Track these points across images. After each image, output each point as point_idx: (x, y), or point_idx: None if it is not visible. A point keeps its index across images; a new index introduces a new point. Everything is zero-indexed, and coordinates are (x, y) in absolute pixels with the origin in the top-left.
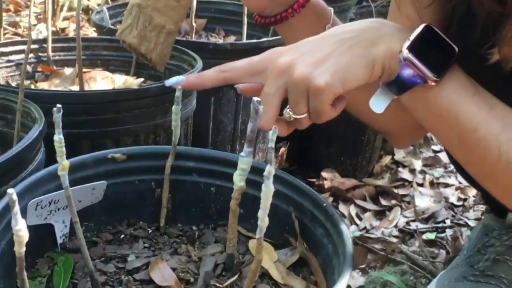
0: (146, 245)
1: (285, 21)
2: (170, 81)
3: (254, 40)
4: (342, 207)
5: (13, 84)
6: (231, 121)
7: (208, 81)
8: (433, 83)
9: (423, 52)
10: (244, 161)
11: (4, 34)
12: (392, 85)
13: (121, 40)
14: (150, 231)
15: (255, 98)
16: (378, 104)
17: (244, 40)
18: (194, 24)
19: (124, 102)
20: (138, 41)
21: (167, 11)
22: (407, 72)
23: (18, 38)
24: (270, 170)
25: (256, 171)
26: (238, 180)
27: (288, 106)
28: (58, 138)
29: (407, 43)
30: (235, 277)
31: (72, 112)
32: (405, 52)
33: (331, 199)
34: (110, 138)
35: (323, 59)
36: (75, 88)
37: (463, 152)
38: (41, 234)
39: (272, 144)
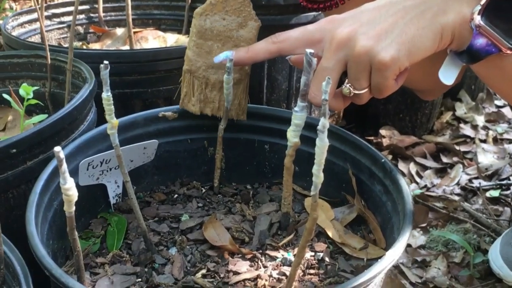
0: (200, 204)
1: (334, 9)
2: (219, 57)
3: None
4: (401, 165)
5: (65, 45)
6: (285, 78)
7: (260, 54)
8: (509, 52)
9: (495, 18)
10: (298, 116)
11: None
12: (463, 54)
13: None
14: (203, 190)
15: (308, 50)
16: (448, 75)
17: None
18: None
19: (176, 61)
20: (199, 106)
21: (223, 64)
22: (480, 41)
23: None
24: (324, 123)
25: (311, 127)
26: (292, 136)
27: (347, 81)
28: (106, 95)
29: (478, 8)
30: (291, 236)
31: (123, 72)
32: (477, 19)
33: (390, 157)
34: (161, 97)
35: (386, 31)
36: (127, 48)
37: None
38: (94, 195)
39: (325, 96)
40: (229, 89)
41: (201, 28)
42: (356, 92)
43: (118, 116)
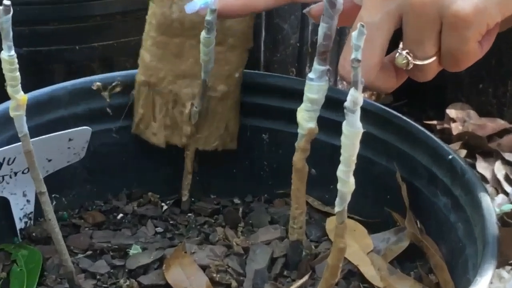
0: (159, 229)
1: None
2: (192, 5)
3: None
4: (481, 165)
5: None
6: (295, 28)
7: (261, 0)
8: None
9: None
10: (314, 86)
11: None
12: None
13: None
14: (164, 207)
15: None
16: None
17: None
18: None
19: (119, 0)
20: (164, 135)
21: (199, 70)
22: None
23: None
24: (355, 97)
25: (336, 105)
26: (305, 119)
27: (403, 46)
28: (8, 56)
29: None
30: (304, 279)
31: (34, 18)
32: None
33: (463, 152)
34: (96, 58)
35: None
36: None
37: None
38: None
39: (357, 55)
40: (210, 54)
41: (164, 19)
42: (418, 62)
43: (27, 88)
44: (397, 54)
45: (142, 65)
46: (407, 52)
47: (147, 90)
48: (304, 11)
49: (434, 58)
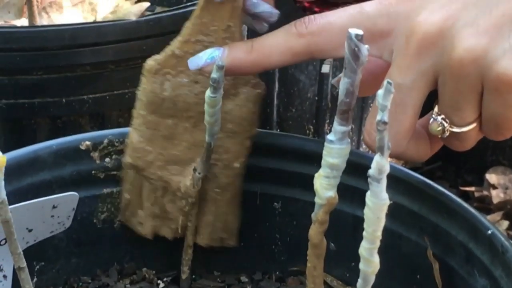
0: None
1: None
2: (199, 59)
3: None
4: None
5: None
6: (313, 80)
7: (274, 55)
8: None
9: None
10: (334, 150)
11: None
12: None
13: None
14: (161, 285)
15: (353, 31)
16: None
17: None
18: None
19: (114, 47)
20: (152, 226)
21: (199, 151)
22: None
23: None
24: (380, 164)
25: (358, 170)
26: (324, 187)
27: (438, 110)
28: None
29: None
30: None
31: (16, 66)
32: None
33: (504, 223)
34: (86, 113)
35: (510, 18)
36: (24, 22)
37: None
38: None
39: (383, 116)
40: (215, 116)
41: (155, 97)
42: (455, 130)
43: (7, 147)
44: (431, 119)
45: (130, 146)
46: (442, 118)
47: (134, 174)
48: (332, 82)
49: (474, 125)
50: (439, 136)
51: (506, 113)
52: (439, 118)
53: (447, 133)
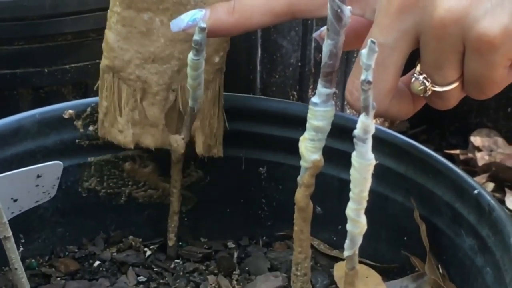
0: (142, 278)
1: None
2: (181, 21)
3: None
4: (511, 200)
5: None
6: (296, 45)
7: (255, 15)
8: None
9: None
10: (319, 113)
11: None
12: None
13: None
14: (148, 253)
15: None
16: None
17: None
18: None
19: (97, 15)
20: (132, 134)
21: (178, 47)
22: None
23: None
24: (366, 124)
25: (343, 133)
26: (309, 149)
27: (420, 69)
28: None
29: None
30: None
31: None
32: None
33: (490, 185)
34: (68, 82)
35: None
36: None
37: None
38: None
39: (367, 76)
40: (199, 79)
41: None
42: (437, 89)
43: None
44: (413, 78)
45: (106, 47)
46: (424, 77)
47: (112, 78)
48: (314, 35)
49: (455, 85)
50: (420, 94)
51: (487, 73)
52: (421, 77)
53: (429, 92)
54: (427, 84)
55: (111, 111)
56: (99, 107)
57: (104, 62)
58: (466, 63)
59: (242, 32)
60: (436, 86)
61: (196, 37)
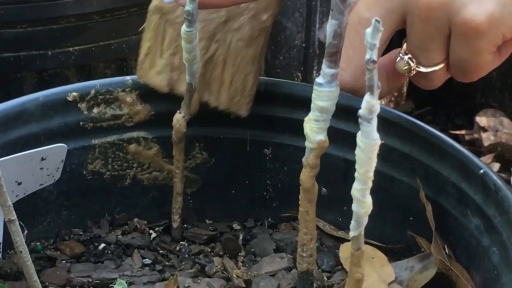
0: (147, 261)
1: None
2: None
3: None
4: None
5: None
6: (300, 27)
7: None
8: None
9: None
10: (323, 93)
11: None
12: None
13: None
14: (153, 235)
15: None
16: None
17: None
18: None
19: None
20: (168, 78)
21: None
22: None
23: None
24: (370, 104)
25: (348, 113)
26: (314, 130)
27: (405, 48)
28: None
29: None
30: None
31: (1, 19)
32: None
33: (496, 165)
34: (72, 65)
35: None
36: None
37: None
38: None
39: (372, 55)
40: (194, 52)
41: None
42: (422, 69)
43: None
44: (398, 58)
45: None
46: (409, 58)
47: (158, 19)
48: (317, 35)
49: (440, 66)
50: (405, 74)
51: (472, 58)
52: (406, 57)
53: (413, 72)
54: (412, 64)
55: (152, 53)
56: (141, 47)
57: (153, 2)
58: (452, 47)
59: (235, 3)
60: (421, 67)
61: (188, 7)
